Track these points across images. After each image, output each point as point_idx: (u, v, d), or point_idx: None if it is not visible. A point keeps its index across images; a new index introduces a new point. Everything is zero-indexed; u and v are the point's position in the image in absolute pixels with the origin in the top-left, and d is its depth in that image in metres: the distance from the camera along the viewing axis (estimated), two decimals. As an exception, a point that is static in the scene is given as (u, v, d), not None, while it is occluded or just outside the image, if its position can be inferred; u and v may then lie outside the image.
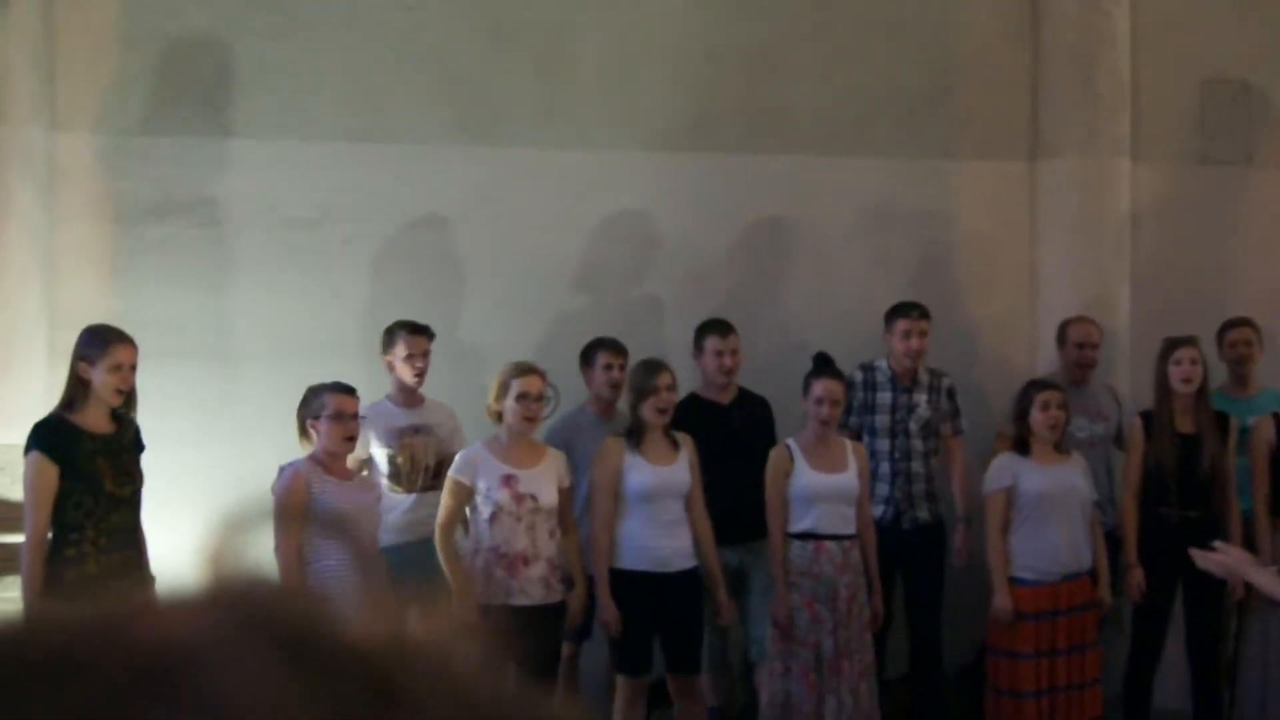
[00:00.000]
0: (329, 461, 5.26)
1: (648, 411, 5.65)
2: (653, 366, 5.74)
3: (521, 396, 5.40)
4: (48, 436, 4.89)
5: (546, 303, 6.83)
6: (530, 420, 5.46)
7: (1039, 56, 7.23)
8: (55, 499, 4.86)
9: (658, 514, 5.64)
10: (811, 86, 7.05)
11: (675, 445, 5.75)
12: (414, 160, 6.69)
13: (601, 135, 6.87)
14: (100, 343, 4.99)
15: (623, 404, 6.14)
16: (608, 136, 6.87)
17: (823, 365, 6.02)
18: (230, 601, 0.61)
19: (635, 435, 5.68)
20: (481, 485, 5.35)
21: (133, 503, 5.02)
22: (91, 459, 4.89)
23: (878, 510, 6.30)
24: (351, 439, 5.31)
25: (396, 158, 6.68)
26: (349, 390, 5.30)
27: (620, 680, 5.71)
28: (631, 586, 5.59)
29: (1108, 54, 7.13)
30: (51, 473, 4.84)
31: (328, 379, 5.37)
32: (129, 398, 5.06)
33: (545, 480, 5.45)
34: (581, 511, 5.99)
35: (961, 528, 6.49)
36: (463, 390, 6.17)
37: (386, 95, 6.68)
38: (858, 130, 7.08)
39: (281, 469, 5.27)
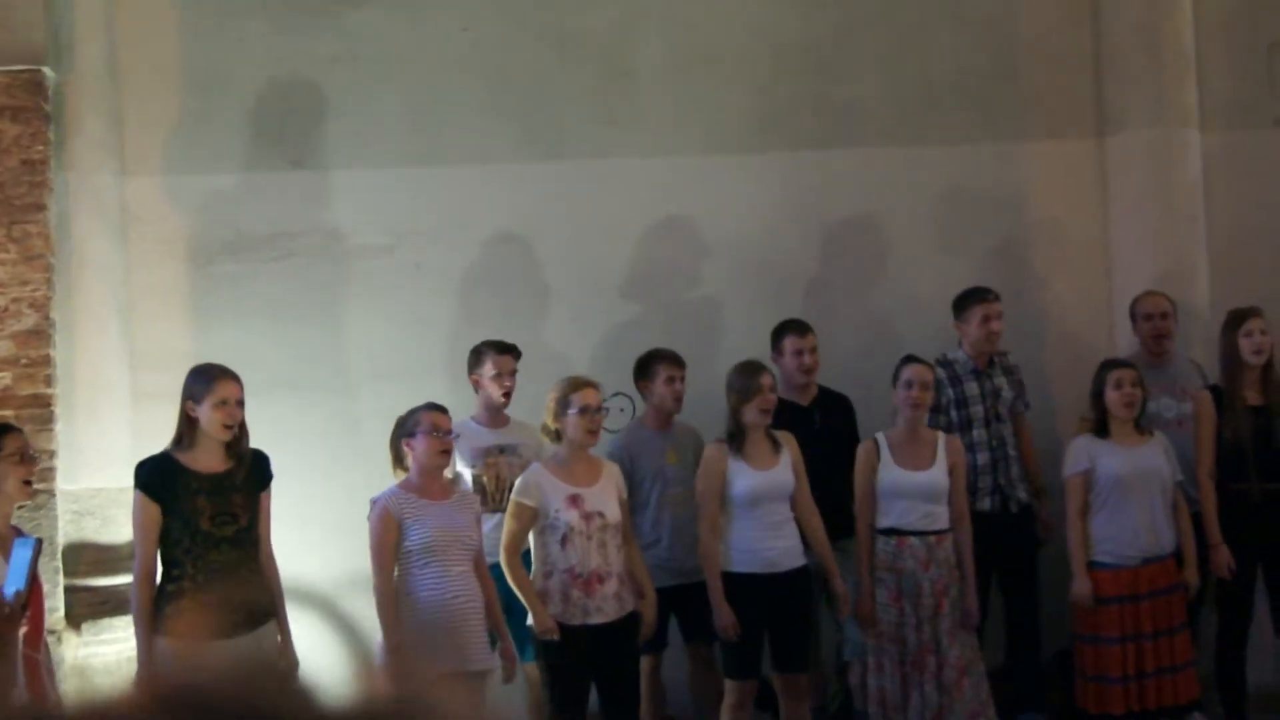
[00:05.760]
0: (424, 483, 5.22)
1: (751, 413, 5.64)
2: (754, 368, 5.73)
3: (584, 410, 5.34)
4: (149, 474, 4.95)
5: (620, 313, 6.81)
6: (593, 434, 5.42)
7: (1101, 30, 7.11)
8: (159, 536, 4.91)
9: (765, 516, 5.64)
10: (875, 78, 6.98)
11: (776, 446, 5.73)
12: (481, 180, 6.69)
13: (667, 141, 6.83)
14: (205, 380, 5.01)
15: (680, 416, 6.14)
16: (673, 141, 6.83)
17: (908, 358, 5.99)
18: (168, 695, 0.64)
19: (736, 439, 5.67)
20: (549, 507, 5.30)
21: (237, 541, 5.00)
22: (192, 498, 4.92)
23: (985, 502, 6.26)
24: (446, 453, 5.30)
25: (463, 179, 6.68)
26: (441, 408, 5.31)
27: (729, 684, 5.72)
28: (742, 589, 5.59)
29: (1170, 23, 7.01)
30: (153, 510, 4.89)
31: (408, 405, 5.37)
32: (240, 434, 5.07)
33: (608, 496, 5.41)
34: (652, 523, 6.02)
35: (1042, 501, 6.48)
36: (537, 404, 6.13)
37: (449, 117, 6.68)
38: (924, 119, 7.00)
39: (373, 502, 5.25)
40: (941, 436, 5.99)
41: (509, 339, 6.24)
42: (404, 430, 5.25)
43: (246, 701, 0.62)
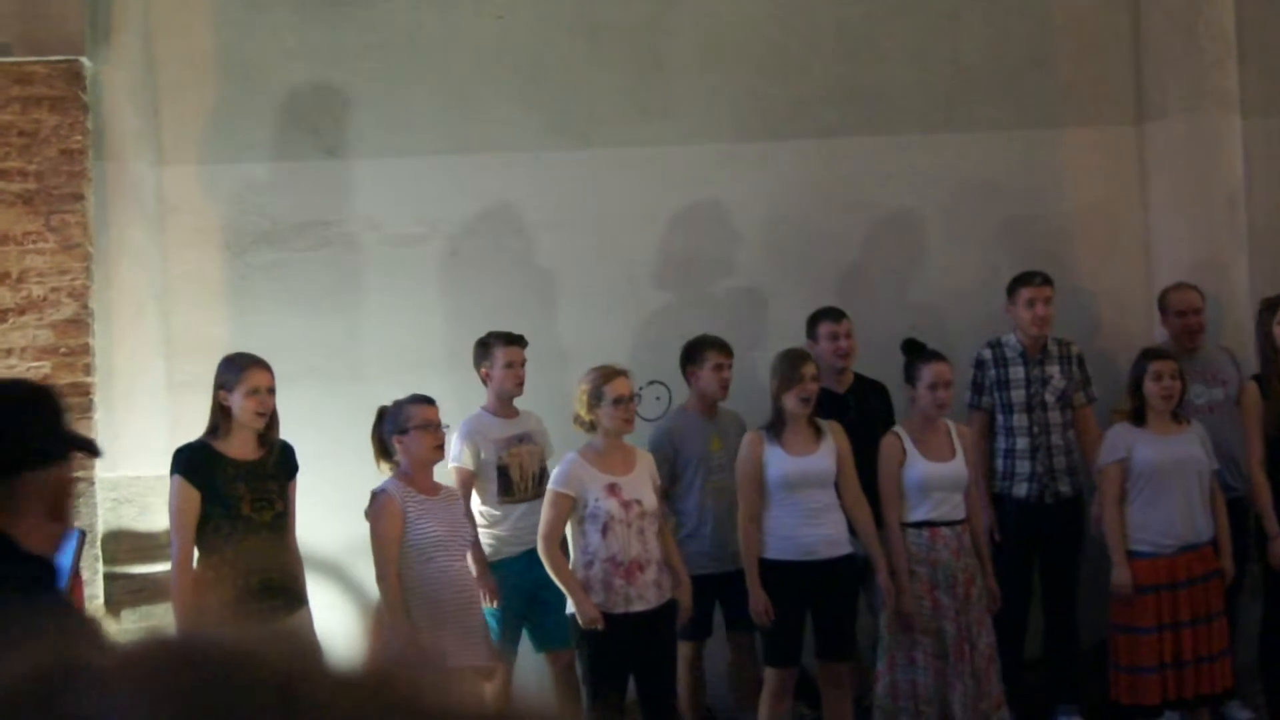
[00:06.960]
0: (418, 476, 5.28)
1: (791, 401, 5.64)
2: (797, 356, 5.74)
3: (618, 400, 5.36)
4: (188, 461, 5.00)
5: (654, 301, 6.81)
6: (629, 422, 5.44)
7: (1139, 14, 7.04)
8: (197, 523, 4.95)
9: (803, 503, 5.63)
10: (908, 64, 6.94)
11: (818, 434, 5.71)
12: (514, 167, 6.71)
13: (697, 128, 6.82)
14: (236, 369, 5.09)
15: (725, 403, 6.13)
16: (704, 129, 6.82)
17: (919, 350, 5.95)
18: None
19: (775, 426, 5.67)
20: (588, 497, 5.32)
21: (275, 527, 5.08)
22: (231, 484, 4.98)
23: (1021, 489, 6.23)
24: (440, 447, 5.35)
25: (497, 166, 6.70)
26: (429, 400, 5.35)
27: (769, 672, 5.72)
28: (779, 576, 5.59)
29: (1210, 6, 6.92)
30: (193, 496, 4.94)
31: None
32: (271, 422, 5.12)
33: (643, 483, 5.43)
34: (695, 509, 6.01)
35: (1093, 496, 6.41)
36: (571, 394, 6.12)
37: (483, 105, 6.70)
38: (957, 105, 6.95)
39: (374, 494, 5.28)
40: (952, 425, 5.96)
41: (542, 327, 6.24)
42: (395, 426, 5.27)
43: (256, 658, 0.62)
